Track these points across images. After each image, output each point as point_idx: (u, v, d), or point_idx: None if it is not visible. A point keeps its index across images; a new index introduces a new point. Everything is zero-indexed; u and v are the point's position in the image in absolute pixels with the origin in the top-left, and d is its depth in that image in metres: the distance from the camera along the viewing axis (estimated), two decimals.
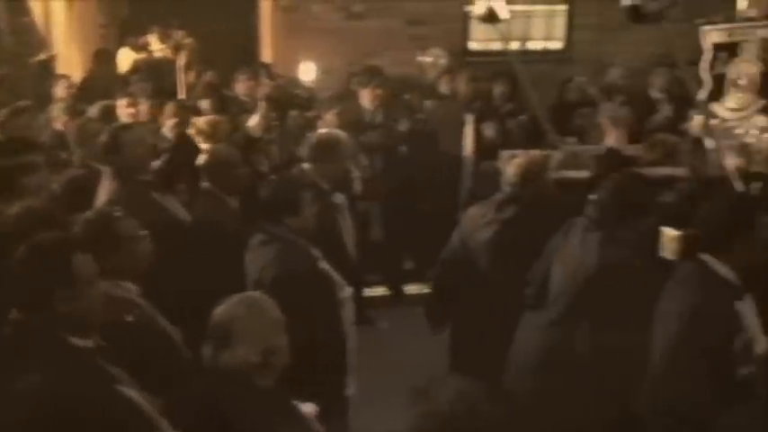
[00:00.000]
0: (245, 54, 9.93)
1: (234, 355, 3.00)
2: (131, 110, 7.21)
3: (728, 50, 5.52)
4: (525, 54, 9.77)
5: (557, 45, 10.53)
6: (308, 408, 3.22)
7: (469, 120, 7.88)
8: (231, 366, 3.00)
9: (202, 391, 3.02)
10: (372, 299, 7.66)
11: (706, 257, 3.55)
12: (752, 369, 3.45)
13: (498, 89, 8.61)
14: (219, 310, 3.08)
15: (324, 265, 4.31)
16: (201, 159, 5.11)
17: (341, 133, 5.55)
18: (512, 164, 4.89)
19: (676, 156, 5.45)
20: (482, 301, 4.73)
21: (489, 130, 7.88)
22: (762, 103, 5.36)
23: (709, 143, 4.75)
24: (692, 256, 3.64)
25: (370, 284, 7.74)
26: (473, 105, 8.14)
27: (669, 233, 3.99)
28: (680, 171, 5.15)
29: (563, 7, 10.43)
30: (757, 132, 5.41)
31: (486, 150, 7.26)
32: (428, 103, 8.32)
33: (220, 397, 2.95)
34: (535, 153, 5.22)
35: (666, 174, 5.19)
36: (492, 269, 4.75)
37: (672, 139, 5.81)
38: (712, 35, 5.57)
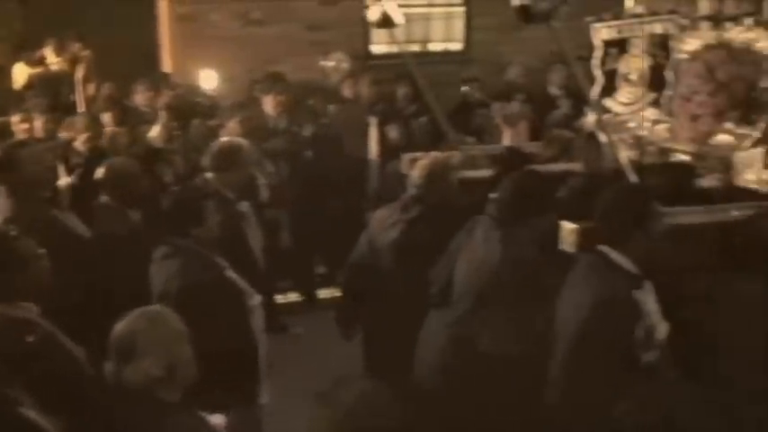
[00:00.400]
0: (145, 65, 9.77)
1: (136, 369, 2.95)
2: (25, 125, 7.04)
3: (618, 47, 5.70)
4: (425, 56, 9.89)
5: (457, 46, 10.66)
6: (217, 419, 3.19)
7: (373, 122, 7.93)
8: (134, 382, 2.96)
9: (106, 409, 2.97)
10: (286, 305, 7.62)
11: (604, 248, 3.61)
12: (655, 355, 3.55)
13: (402, 91, 8.68)
14: (120, 326, 3.03)
15: (230, 273, 4.27)
16: (99, 173, 5.01)
17: (242, 141, 5.51)
18: (416, 166, 4.91)
19: (572, 151, 5.57)
20: (390, 302, 4.75)
21: (393, 132, 7.95)
22: (652, 96, 5.52)
23: (603, 137, 4.87)
24: (591, 248, 3.71)
25: (282, 291, 7.70)
26: (376, 108, 8.20)
27: (568, 226, 4.05)
28: (576, 166, 5.26)
29: (461, 9, 10.57)
30: (649, 125, 5.57)
31: (391, 152, 7.30)
32: (332, 108, 8.33)
33: (124, 414, 2.91)
34: (437, 154, 5.27)
35: (563, 169, 5.30)
36: (398, 269, 4.77)
37: (567, 135, 5.94)
38: (602, 32, 5.73)
